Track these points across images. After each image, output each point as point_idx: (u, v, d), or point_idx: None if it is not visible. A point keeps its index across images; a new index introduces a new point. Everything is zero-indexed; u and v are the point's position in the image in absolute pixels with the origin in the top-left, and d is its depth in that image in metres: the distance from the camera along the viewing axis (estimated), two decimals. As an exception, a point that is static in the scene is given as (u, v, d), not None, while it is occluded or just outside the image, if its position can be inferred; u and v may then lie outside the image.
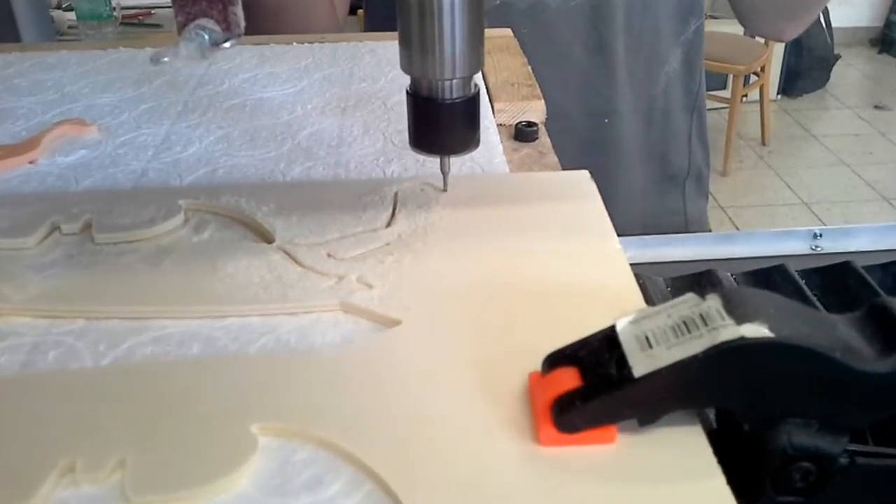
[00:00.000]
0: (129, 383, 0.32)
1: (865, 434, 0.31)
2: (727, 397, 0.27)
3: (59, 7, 2.11)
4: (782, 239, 0.52)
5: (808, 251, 0.52)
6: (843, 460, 0.28)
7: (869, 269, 0.42)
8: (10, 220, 0.42)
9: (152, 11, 2.26)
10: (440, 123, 0.40)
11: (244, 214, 0.42)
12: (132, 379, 0.32)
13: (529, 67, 0.62)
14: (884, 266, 0.44)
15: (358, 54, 0.67)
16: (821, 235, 0.52)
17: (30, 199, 0.46)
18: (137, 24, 2.18)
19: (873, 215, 2.65)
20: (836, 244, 0.52)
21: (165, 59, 0.57)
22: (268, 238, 0.41)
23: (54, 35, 1.87)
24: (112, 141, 0.53)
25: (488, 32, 0.69)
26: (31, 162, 0.50)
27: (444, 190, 0.44)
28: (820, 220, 2.62)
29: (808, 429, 0.27)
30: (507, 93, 0.57)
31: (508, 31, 0.70)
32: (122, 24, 2.05)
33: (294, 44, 0.69)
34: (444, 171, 0.44)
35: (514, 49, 0.66)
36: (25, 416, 0.30)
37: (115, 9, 1.95)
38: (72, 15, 1.98)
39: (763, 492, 0.28)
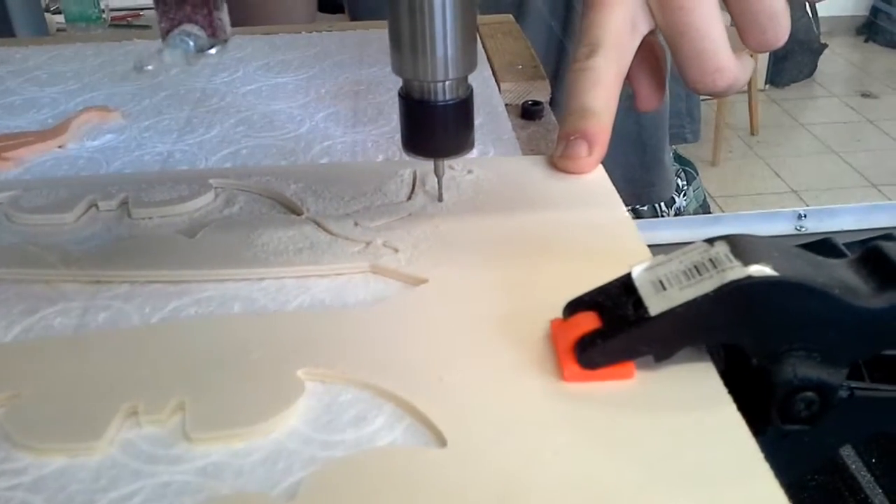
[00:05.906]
0: (180, 337, 0.34)
1: (862, 372, 0.34)
2: (736, 332, 0.29)
3: (47, 9, 2.12)
4: (768, 220, 0.53)
5: (793, 232, 0.53)
6: (843, 393, 0.30)
7: (849, 245, 0.44)
8: (49, 199, 0.44)
9: (141, 13, 2.28)
10: (434, 126, 0.39)
11: (273, 191, 0.45)
12: (182, 333, 0.34)
13: (533, 50, 0.64)
14: (863, 242, 0.46)
15: (366, 41, 0.69)
16: (805, 216, 0.54)
17: (66, 180, 0.48)
18: (126, 25, 2.20)
19: (861, 201, 2.68)
20: (821, 224, 0.53)
21: (149, 67, 0.59)
22: (296, 211, 0.43)
23: (48, 34, 1.88)
24: (136, 125, 0.55)
25: (490, 18, 0.71)
26: (60, 146, 0.53)
27: (440, 199, 0.43)
28: (809, 207, 2.65)
29: (811, 361, 0.30)
30: (513, 74, 0.60)
31: (510, 17, 0.72)
32: (111, 25, 2.07)
33: (303, 33, 0.72)
34: (438, 175, 0.42)
35: (517, 34, 0.69)
36: (87, 368, 0.32)
37: (103, 11, 1.96)
38: (61, 18, 1.99)
39: (770, 421, 0.30)
